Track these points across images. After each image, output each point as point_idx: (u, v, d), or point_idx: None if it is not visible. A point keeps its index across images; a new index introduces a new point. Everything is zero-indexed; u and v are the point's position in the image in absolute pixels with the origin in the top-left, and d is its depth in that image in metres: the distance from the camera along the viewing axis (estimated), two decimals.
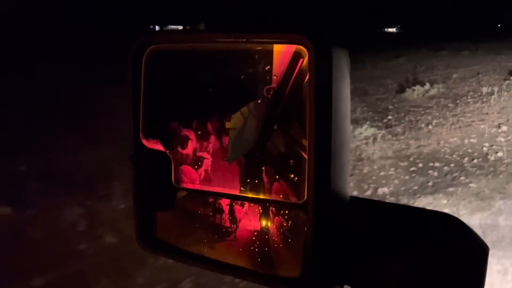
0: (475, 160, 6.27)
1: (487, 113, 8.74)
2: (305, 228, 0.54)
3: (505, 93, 10.40)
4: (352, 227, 0.55)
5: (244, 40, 0.58)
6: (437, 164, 6.08)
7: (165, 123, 0.64)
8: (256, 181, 0.58)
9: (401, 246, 0.53)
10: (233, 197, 0.61)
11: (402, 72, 12.33)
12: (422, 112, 8.87)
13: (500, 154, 6.52)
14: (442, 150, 6.69)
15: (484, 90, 10.46)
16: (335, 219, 0.54)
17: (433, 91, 10.49)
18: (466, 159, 6.33)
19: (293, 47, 0.54)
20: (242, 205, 0.61)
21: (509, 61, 14.21)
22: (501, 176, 5.71)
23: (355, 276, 0.54)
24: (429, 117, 8.48)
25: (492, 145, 6.91)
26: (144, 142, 0.65)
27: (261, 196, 0.58)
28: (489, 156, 6.41)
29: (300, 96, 0.53)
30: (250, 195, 0.59)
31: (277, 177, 0.57)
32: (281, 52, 0.55)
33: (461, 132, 7.52)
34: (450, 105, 9.43)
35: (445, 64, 13.77)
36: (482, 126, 7.79)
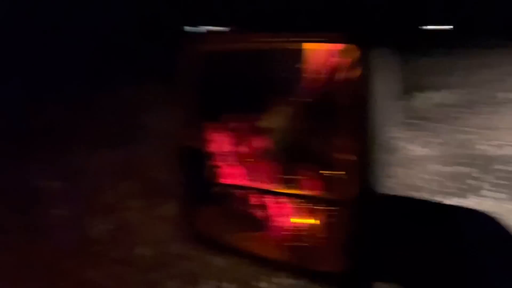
0: None
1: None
2: (347, 224, 0.54)
3: None
4: (393, 224, 0.55)
5: (291, 39, 0.58)
6: None
7: (207, 122, 0.65)
8: (296, 178, 0.59)
9: (441, 243, 0.53)
10: (273, 193, 0.61)
11: (418, 75, 11.81)
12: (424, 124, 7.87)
13: None
14: None
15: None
16: (377, 215, 0.54)
17: (438, 99, 9.51)
18: None
19: (333, 47, 0.54)
20: (282, 201, 0.61)
21: None
22: None
23: (395, 271, 0.54)
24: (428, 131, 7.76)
25: None
26: (188, 140, 0.66)
27: (301, 193, 0.59)
28: None
29: (339, 95, 0.53)
30: (290, 191, 0.60)
31: (317, 174, 0.57)
32: (321, 51, 0.55)
33: None
34: (460, 115, 8.31)
35: (476, 64, 13.21)
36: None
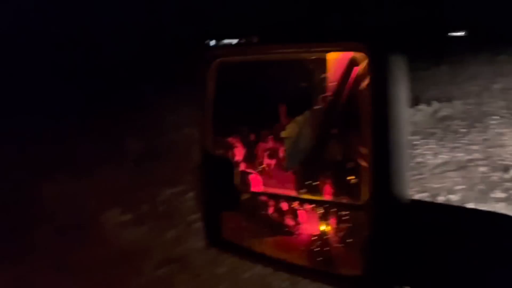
0: None
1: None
2: (366, 229, 0.55)
3: None
4: (412, 228, 0.55)
5: (305, 49, 0.60)
6: None
7: (229, 132, 0.67)
8: (313, 184, 0.60)
9: (462, 248, 0.52)
10: (293, 199, 0.63)
11: (432, 84, 10.66)
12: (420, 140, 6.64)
13: None
14: None
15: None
16: (395, 219, 0.54)
17: (443, 112, 7.77)
18: None
19: (348, 55, 0.55)
20: (303, 207, 0.62)
21: None
22: None
23: (416, 277, 0.54)
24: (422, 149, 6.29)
25: None
26: (210, 149, 0.68)
27: (324, 199, 0.60)
28: None
29: (356, 102, 0.54)
30: (310, 197, 0.61)
31: (335, 180, 0.58)
32: (336, 60, 0.56)
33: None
34: (462, 130, 6.94)
35: (494, 72, 10.56)
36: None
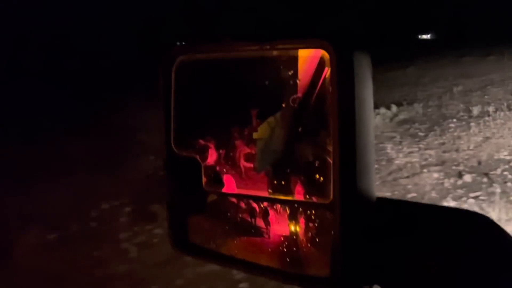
0: None
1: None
2: (333, 228, 0.58)
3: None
4: (379, 226, 0.58)
5: (268, 47, 0.62)
6: None
7: (195, 131, 0.69)
8: (284, 184, 0.63)
9: (430, 245, 0.56)
10: (261, 199, 0.65)
11: (397, 86, 10.42)
12: (377, 145, 6.74)
13: None
14: None
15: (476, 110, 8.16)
16: (362, 218, 0.58)
17: (403, 115, 8.27)
18: None
19: (318, 56, 0.58)
20: (273, 208, 0.65)
21: None
22: None
23: (384, 275, 0.57)
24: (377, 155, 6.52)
25: None
26: (175, 149, 0.69)
27: (289, 198, 0.63)
28: None
29: (326, 103, 0.58)
30: (280, 197, 0.64)
31: (304, 179, 0.61)
32: (307, 59, 0.59)
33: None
34: (421, 134, 7.31)
35: (458, 73, 11.51)
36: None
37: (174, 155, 0.70)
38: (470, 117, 7.95)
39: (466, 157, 6.20)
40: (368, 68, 0.58)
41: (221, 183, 0.69)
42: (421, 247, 0.56)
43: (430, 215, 0.60)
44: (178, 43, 0.70)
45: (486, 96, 9.26)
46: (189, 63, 0.69)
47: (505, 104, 8.35)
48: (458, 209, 0.60)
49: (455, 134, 7.10)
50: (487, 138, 6.72)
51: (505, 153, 6.07)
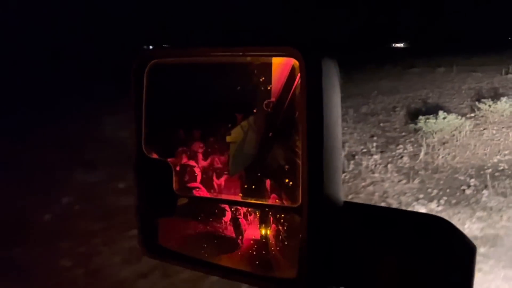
0: None
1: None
2: (300, 231, 0.59)
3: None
4: (345, 229, 0.60)
5: (240, 53, 0.64)
6: None
7: (166, 134, 0.70)
8: (255, 188, 0.65)
9: (393, 247, 0.57)
10: (232, 203, 0.66)
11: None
12: None
13: None
14: None
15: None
16: (329, 221, 0.59)
17: None
18: None
19: (291, 62, 0.60)
20: (244, 212, 0.66)
21: (483, 80, 11.62)
22: None
23: (349, 277, 0.59)
24: None
25: None
26: (146, 152, 0.70)
27: (259, 202, 0.64)
28: None
29: (292, 106, 0.60)
30: (251, 201, 0.65)
31: (277, 184, 0.62)
32: (279, 66, 0.61)
33: None
34: None
35: (393, 87, 11.06)
36: None
37: (144, 157, 0.70)
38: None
39: None
40: (336, 75, 0.60)
41: (192, 186, 0.69)
42: (386, 251, 0.58)
43: (394, 219, 0.62)
44: (151, 47, 0.71)
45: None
46: (162, 67, 0.70)
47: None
48: (423, 214, 0.62)
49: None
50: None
51: None
